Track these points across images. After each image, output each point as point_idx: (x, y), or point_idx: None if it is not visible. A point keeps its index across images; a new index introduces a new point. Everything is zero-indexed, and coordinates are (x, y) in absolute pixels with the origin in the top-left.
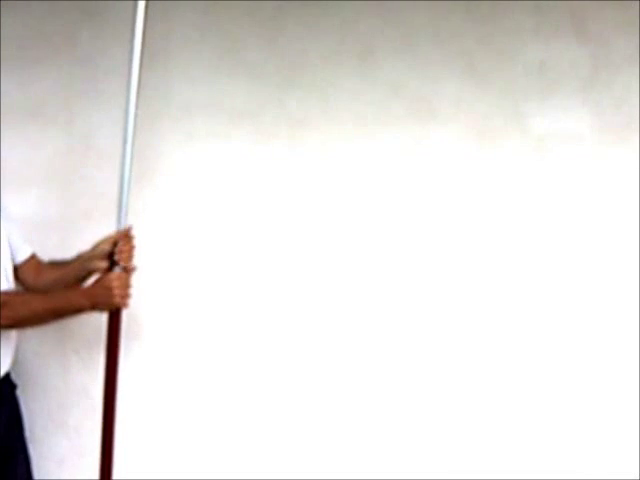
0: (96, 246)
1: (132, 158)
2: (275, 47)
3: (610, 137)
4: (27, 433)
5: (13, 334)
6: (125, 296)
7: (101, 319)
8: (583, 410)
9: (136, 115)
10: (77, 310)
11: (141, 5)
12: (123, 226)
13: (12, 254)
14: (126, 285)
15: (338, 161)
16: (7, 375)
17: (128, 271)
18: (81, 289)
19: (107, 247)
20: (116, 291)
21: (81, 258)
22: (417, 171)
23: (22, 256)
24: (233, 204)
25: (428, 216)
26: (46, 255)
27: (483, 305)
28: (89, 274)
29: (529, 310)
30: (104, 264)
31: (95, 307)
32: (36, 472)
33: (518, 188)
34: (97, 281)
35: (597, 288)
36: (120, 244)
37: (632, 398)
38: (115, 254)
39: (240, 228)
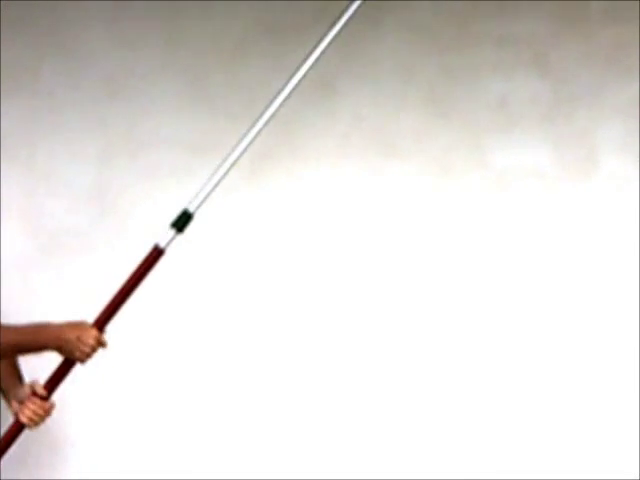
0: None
1: None
2: (237, 80)
3: (571, 171)
4: None
5: None
6: (89, 356)
7: None
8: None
9: None
10: (42, 348)
11: None
12: None
13: None
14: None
15: (301, 194)
16: None
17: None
18: (56, 329)
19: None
20: (87, 350)
21: (12, 379)
22: (378, 204)
23: None
24: (195, 238)
25: (388, 248)
26: (8, 293)
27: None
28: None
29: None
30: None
31: (59, 350)
32: None
33: (479, 222)
34: (76, 328)
35: (565, 317)
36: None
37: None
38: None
39: (203, 261)
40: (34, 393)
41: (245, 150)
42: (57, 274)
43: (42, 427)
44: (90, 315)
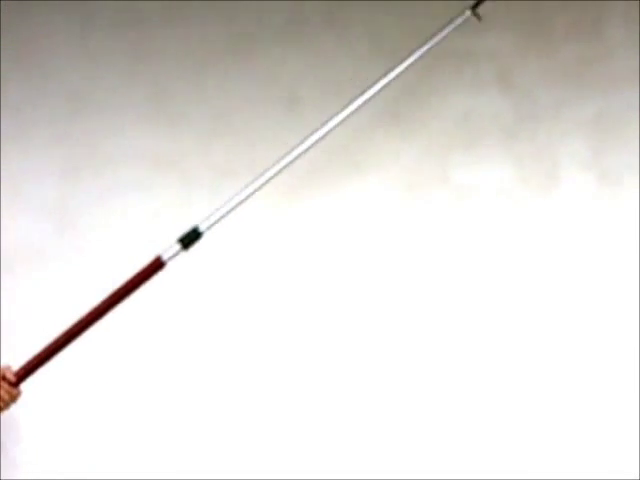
0: None
1: None
2: (201, 95)
3: (533, 187)
4: None
5: None
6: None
7: None
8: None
9: None
10: None
11: None
12: None
13: None
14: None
15: (263, 210)
16: None
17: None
18: None
19: None
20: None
21: None
22: (341, 221)
23: None
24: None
25: (351, 264)
26: None
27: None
28: None
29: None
30: None
31: None
32: None
33: (442, 238)
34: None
35: (539, 329)
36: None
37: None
38: None
39: (164, 278)
40: (3, 378)
41: (268, 181)
42: (18, 289)
43: None
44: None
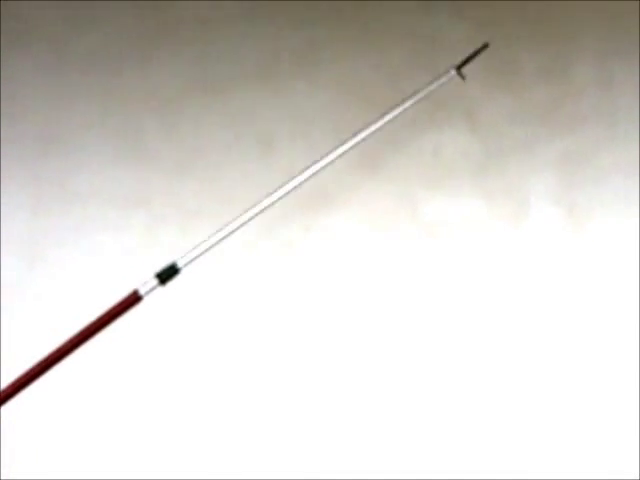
0: None
1: None
2: (172, 134)
3: (501, 223)
4: None
5: None
6: None
7: None
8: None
9: None
10: None
11: None
12: None
13: None
14: None
15: (234, 247)
16: None
17: None
18: None
19: None
20: None
21: None
22: (311, 258)
23: None
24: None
25: (319, 300)
26: None
27: None
28: None
29: None
30: None
31: None
32: None
33: (411, 274)
34: None
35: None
36: None
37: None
38: None
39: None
40: None
41: (247, 222)
42: None
43: None
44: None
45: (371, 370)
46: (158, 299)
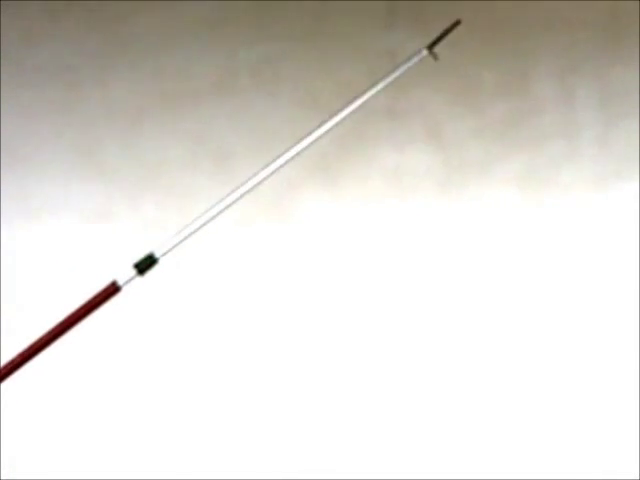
0: None
1: None
2: (132, 149)
3: (464, 239)
4: None
5: None
6: None
7: None
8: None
9: None
10: None
11: None
12: None
13: None
14: None
15: (192, 265)
16: None
17: None
18: None
19: None
20: None
21: None
22: (275, 274)
23: None
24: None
25: (291, 316)
26: None
27: None
28: None
29: None
30: None
31: None
32: None
33: (372, 289)
34: None
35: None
36: None
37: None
38: None
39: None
40: None
41: (219, 214)
42: None
43: None
44: None
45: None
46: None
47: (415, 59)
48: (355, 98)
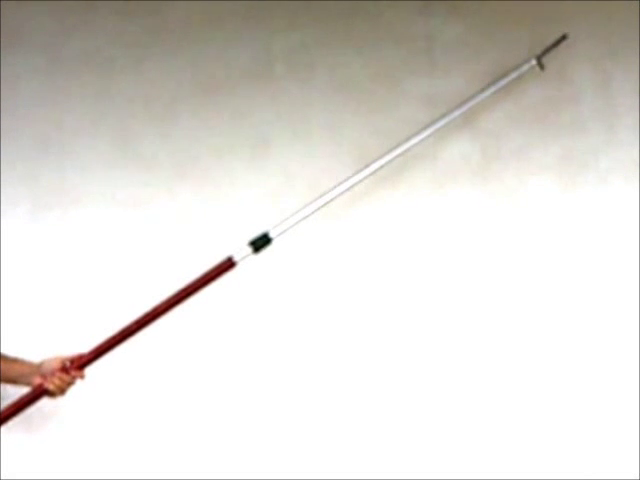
0: (42, 363)
1: None
2: (168, 138)
3: (501, 228)
4: None
5: None
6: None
7: None
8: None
9: None
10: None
11: None
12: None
13: None
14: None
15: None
16: None
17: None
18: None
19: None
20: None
21: (20, 365)
22: (315, 259)
23: None
24: (126, 294)
25: (321, 307)
26: None
27: None
28: (16, 382)
29: None
30: (39, 381)
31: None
32: None
33: (414, 279)
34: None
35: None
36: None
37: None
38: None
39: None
40: (64, 369)
41: (339, 195)
42: None
43: None
44: None
45: (369, 370)
46: None
47: (524, 68)
48: (463, 103)
